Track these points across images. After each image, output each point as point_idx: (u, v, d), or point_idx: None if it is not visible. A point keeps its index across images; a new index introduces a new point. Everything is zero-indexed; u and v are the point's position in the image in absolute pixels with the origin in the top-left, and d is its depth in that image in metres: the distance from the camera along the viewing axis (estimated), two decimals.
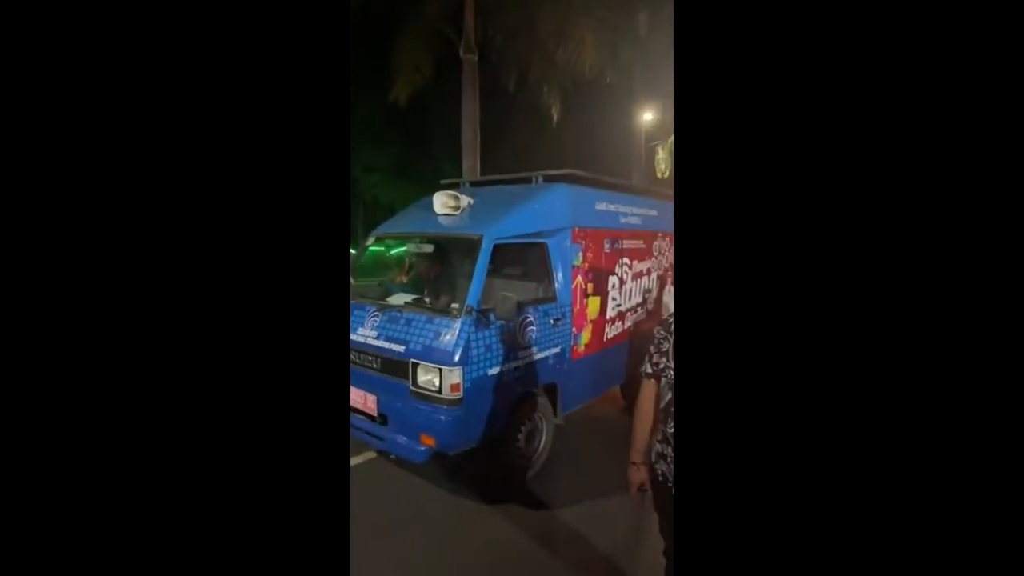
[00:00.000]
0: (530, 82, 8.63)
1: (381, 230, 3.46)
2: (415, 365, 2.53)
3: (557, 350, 3.05)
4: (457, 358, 2.44)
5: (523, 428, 2.87)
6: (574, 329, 3.20)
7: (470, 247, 2.76)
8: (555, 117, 9.07)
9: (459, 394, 2.46)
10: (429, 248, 3.14)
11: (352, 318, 2.90)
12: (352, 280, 3.46)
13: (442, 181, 3.79)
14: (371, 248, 3.50)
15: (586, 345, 3.33)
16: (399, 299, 2.91)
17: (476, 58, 8.02)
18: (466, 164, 8.30)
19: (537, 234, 3.00)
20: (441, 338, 2.50)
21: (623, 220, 3.69)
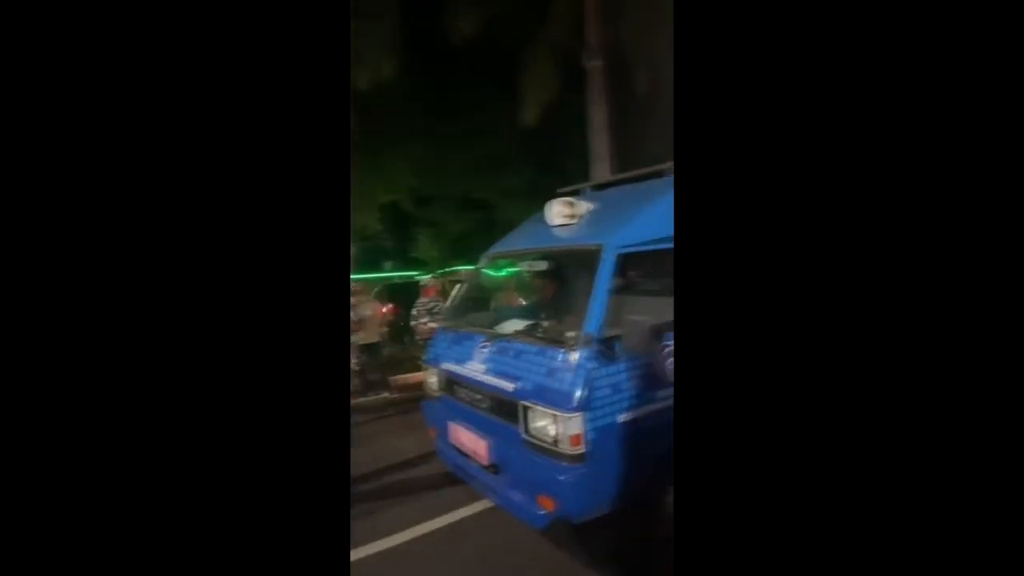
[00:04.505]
0: (662, 81, 7.87)
1: (494, 250, 3.14)
2: (526, 408, 2.08)
3: None
4: (576, 402, 1.92)
5: (671, 490, 2.21)
6: None
7: (589, 260, 2.23)
8: None
9: (581, 448, 1.92)
10: (543, 265, 2.70)
11: (460, 349, 2.58)
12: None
13: (558, 190, 3.34)
14: (484, 270, 3.19)
15: None
16: (511, 326, 2.50)
17: (601, 64, 7.58)
18: (598, 175, 7.84)
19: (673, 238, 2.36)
20: (555, 375, 2.01)
21: None
